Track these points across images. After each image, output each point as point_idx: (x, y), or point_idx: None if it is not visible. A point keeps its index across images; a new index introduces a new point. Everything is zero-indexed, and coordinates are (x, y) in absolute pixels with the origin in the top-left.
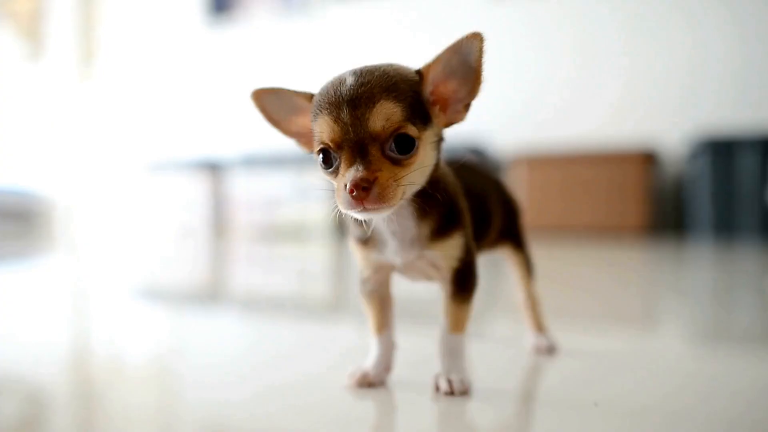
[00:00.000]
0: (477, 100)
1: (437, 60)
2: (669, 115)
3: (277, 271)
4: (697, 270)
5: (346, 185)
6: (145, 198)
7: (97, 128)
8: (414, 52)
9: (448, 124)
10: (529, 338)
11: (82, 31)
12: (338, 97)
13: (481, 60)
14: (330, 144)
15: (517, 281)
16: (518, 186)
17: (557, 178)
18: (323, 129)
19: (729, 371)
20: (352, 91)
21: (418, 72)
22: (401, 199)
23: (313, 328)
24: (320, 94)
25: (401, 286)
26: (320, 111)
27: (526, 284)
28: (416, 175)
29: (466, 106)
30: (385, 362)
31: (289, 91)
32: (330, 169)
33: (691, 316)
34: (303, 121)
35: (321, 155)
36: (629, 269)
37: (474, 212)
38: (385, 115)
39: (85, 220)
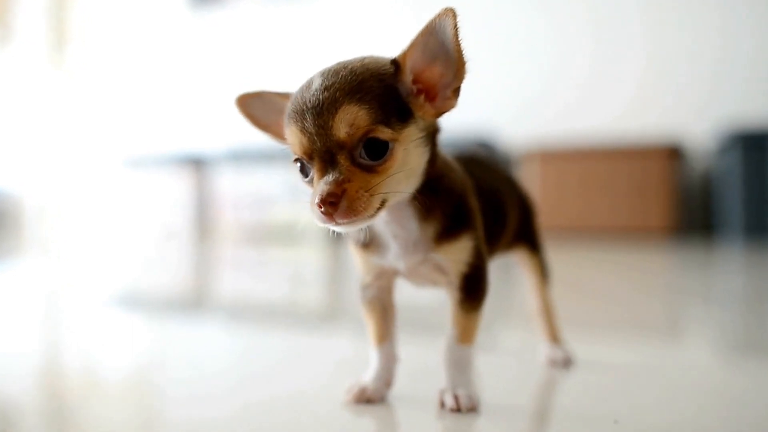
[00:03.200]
0: (479, 87)
1: (413, 45)
2: (695, 105)
3: (268, 276)
4: (727, 275)
5: (315, 198)
6: (123, 196)
7: (71, 120)
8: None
9: (439, 114)
10: (543, 350)
11: (54, 14)
12: (303, 105)
13: (457, 38)
14: (301, 155)
15: (531, 287)
16: (530, 183)
17: (573, 175)
18: (292, 140)
19: (761, 385)
20: (315, 97)
21: (394, 62)
22: (379, 208)
23: (306, 339)
24: (290, 100)
25: (404, 293)
26: (289, 120)
27: (540, 291)
28: (397, 179)
29: (456, 91)
30: (386, 376)
31: (271, 93)
32: (307, 180)
33: (720, 325)
34: None
35: (298, 165)
36: (652, 274)
37: (487, 212)
38: (347, 120)
39: (59, 220)
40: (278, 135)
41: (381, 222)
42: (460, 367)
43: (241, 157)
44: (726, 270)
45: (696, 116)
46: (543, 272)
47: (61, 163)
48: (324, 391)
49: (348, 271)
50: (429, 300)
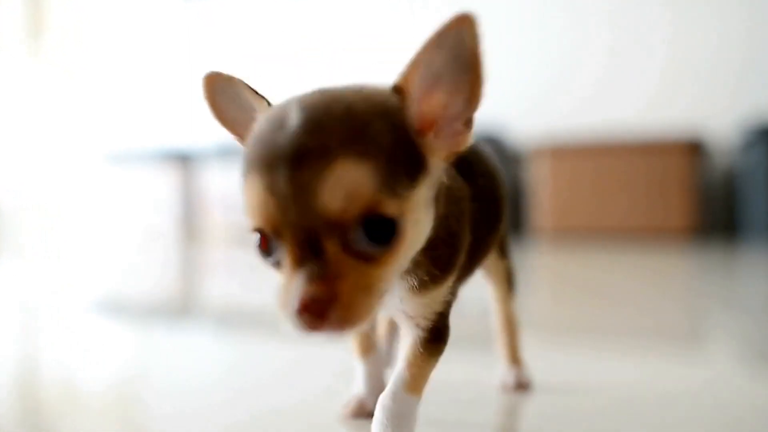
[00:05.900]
0: (485, 98)
1: (414, 64)
2: (718, 98)
3: (260, 280)
4: (751, 278)
5: (291, 300)
6: (105, 194)
7: (49, 113)
8: (413, 31)
9: (450, 154)
10: (499, 371)
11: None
12: (271, 149)
13: (477, 51)
14: (263, 228)
15: (494, 298)
16: (540, 181)
17: (587, 172)
18: (251, 201)
19: None
20: (293, 140)
21: (396, 89)
22: (377, 310)
23: (302, 348)
24: (253, 135)
25: None
26: (248, 168)
27: (504, 302)
28: (402, 263)
29: (468, 122)
30: (380, 388)
31: (246, 87)
32: (270, 260)
33: (744, 332)
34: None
35: (256, 237)
36: (671, 278)
37: (481, 222)
38: (345, 185)
39: (35, 221)
40: (237, 134)
41: None
42: (402, 422)
43: (231, 153)
44: (750, 273)
45: (718, 110)
46: (509, 280)
47: (39, 159)
48: (321, 404)
49: None
50: None
